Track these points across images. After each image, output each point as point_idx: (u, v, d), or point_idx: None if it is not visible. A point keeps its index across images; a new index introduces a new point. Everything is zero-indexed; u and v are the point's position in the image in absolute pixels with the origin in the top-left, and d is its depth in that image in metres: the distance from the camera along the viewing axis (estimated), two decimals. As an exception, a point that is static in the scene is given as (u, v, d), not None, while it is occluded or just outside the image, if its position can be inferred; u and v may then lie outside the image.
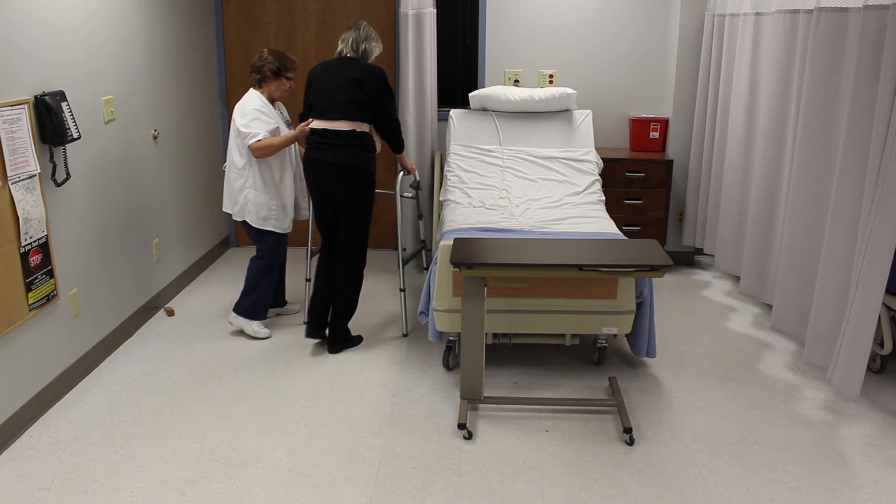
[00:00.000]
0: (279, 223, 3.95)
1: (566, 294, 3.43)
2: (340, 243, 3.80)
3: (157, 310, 4.36)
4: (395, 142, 3.89)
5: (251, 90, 3.88)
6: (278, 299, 4.32)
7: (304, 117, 3.84)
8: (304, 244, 5.55)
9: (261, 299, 4.03)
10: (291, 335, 4.08)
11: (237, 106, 3.82)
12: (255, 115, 3.77)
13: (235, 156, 3.85)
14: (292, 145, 3.98)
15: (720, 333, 4.11)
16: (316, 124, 3.71)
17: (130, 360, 3.76)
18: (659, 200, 5.02)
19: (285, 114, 4.03)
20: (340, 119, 3.66)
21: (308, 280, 4.29)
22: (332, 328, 3.88)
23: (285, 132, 3.87)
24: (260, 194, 3.87)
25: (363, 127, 3.70)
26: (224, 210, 4.01)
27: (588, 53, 5.19)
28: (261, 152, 3.76)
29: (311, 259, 4.31)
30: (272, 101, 3.91)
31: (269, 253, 3.99)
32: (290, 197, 3.98)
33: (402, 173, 4.26)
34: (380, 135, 3.85)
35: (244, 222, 3.94)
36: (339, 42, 3.80)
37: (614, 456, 2.95)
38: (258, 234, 3.96)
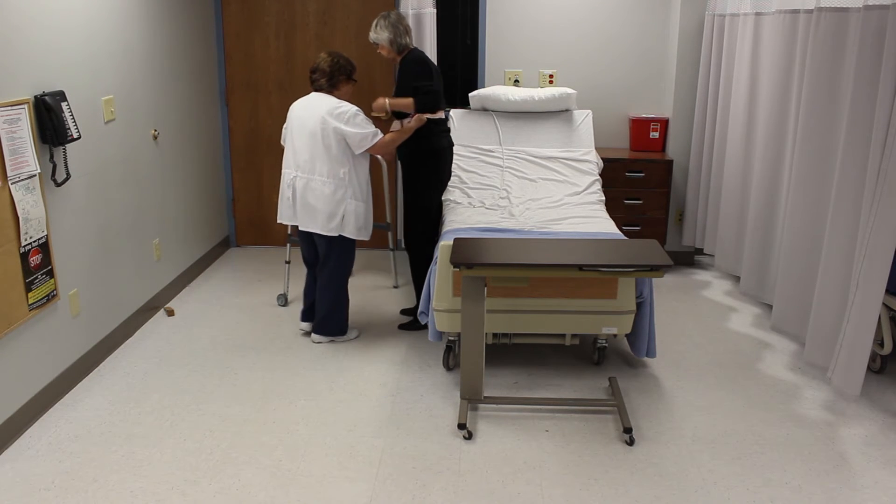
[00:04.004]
0: (368, 231, 3.81)
1: (566, 294, 3.43)
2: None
3: (157, 310, 4.36)
4: None
5: (321, 94, 3.66)
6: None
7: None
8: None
9: (344, 316, 3.90)
10: (292, 335, 4.08)
11: (323, 112, 3.57)
12: (361, 114, 3.62)
13: (335, 165, 3.60)
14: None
15: (720, 333, 4.11)
16: (434, 114, 3.91)
17: (130, 360, 3.76)
18: (659, 200, 5.02)
19: None
20: (445, 105, 4.10)
21: (396, 287, 4.16)
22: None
23: None
24: (360, 203, 3.70)
25: None
26: (303, 229, 3.71)
27: (588, 53, 5.19)
28: (387, 147, 3.69)
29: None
30: None
31: (343, 267, 3.80)
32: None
33: None
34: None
35: (322, 238, 3.72)
36: (399, 38, 3.84)
37: (614, 456, 2.95)
38: (344, 247, 3.76)
